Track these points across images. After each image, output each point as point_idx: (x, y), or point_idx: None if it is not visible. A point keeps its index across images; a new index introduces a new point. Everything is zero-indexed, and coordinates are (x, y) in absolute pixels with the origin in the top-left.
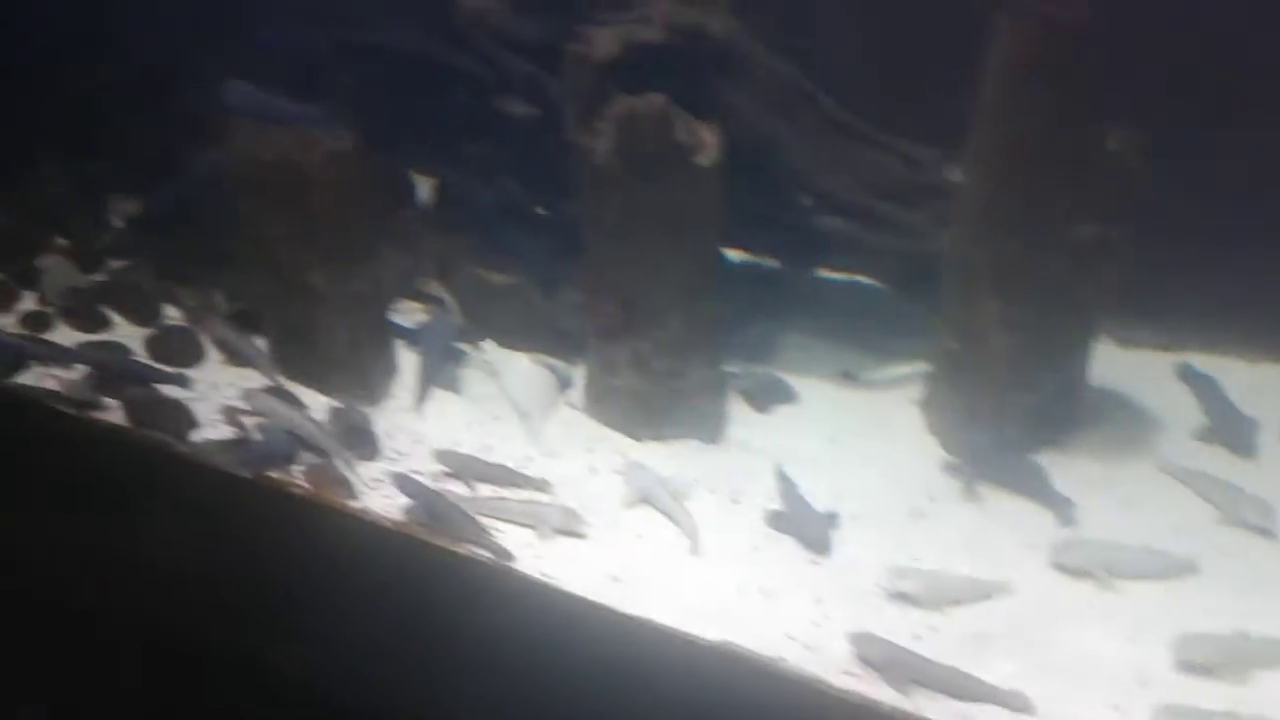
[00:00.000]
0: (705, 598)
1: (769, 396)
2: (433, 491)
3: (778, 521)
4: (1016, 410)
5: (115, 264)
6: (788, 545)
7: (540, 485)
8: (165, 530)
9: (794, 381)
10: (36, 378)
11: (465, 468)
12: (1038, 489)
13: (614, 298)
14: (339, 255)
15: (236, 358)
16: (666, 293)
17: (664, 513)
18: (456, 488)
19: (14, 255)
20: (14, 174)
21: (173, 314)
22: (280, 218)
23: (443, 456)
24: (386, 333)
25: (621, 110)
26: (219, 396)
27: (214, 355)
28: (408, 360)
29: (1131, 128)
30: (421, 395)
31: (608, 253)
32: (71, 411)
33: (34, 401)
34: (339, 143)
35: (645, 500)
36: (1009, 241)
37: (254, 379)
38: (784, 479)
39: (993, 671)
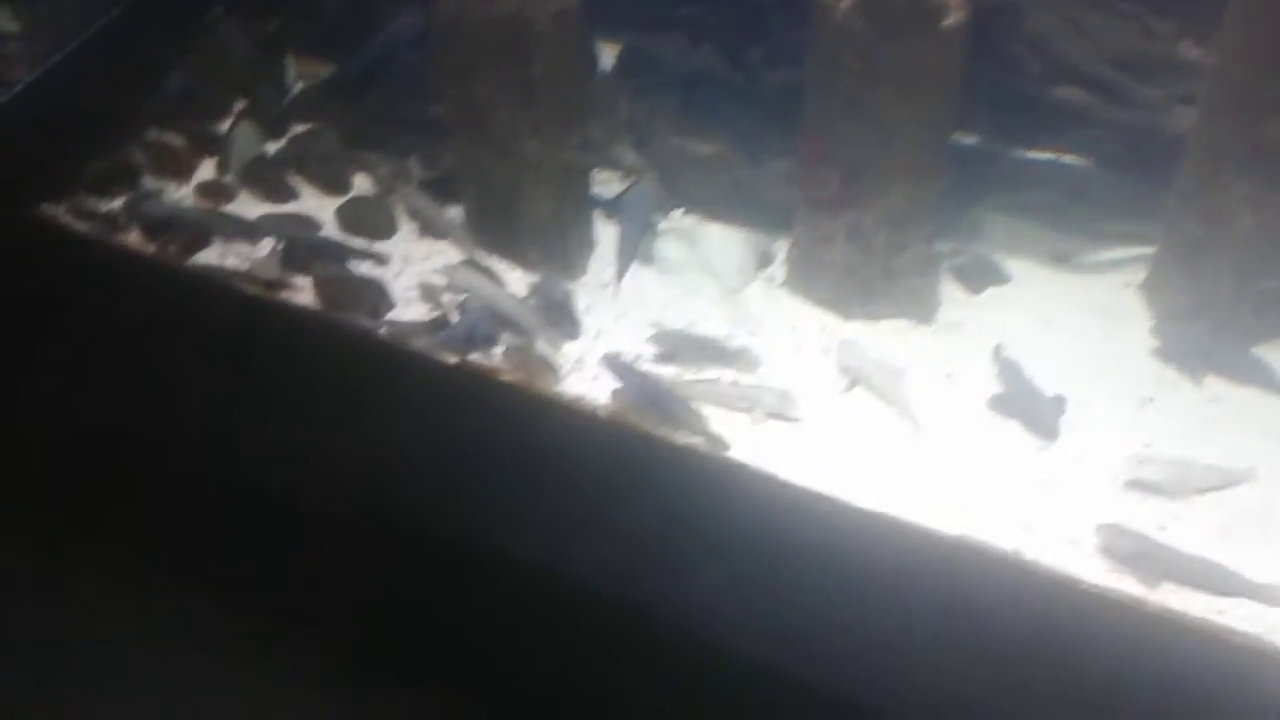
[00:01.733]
0: (930, 486)
1: (982, 277)
2: (644, 375)
3: (1001, 405)
4: (1253, 295)
5: (299, 129)
6: (1013, 430)
7: (750, 364)
8: (365, 419)
9: (1005, 263)
10: (219, 255)
11: (677, 347)
12: (1267, 378)
13: (836, 167)
14: (554, 121)
15: (431, 229)
16: (895, 163)
17: (879, 394)
18: (665, 369)
19: (191, 119)
20: (189, 32)
21: (362, 183)
22: (499, 80)
23: (657, 337)
24: (588, 204)
25: None
26: (413, 271)
27: (406, 226)
28: (605, 232)
29: None
30: (621, 270)
31: (834, 118)
32: (259, 292)
33: (219, 282)
34: (567, 2)
35: (859, 381)
36: (1265, 123)
37: (449, 252)
38: (1005, 361)
39: (1244, 562)
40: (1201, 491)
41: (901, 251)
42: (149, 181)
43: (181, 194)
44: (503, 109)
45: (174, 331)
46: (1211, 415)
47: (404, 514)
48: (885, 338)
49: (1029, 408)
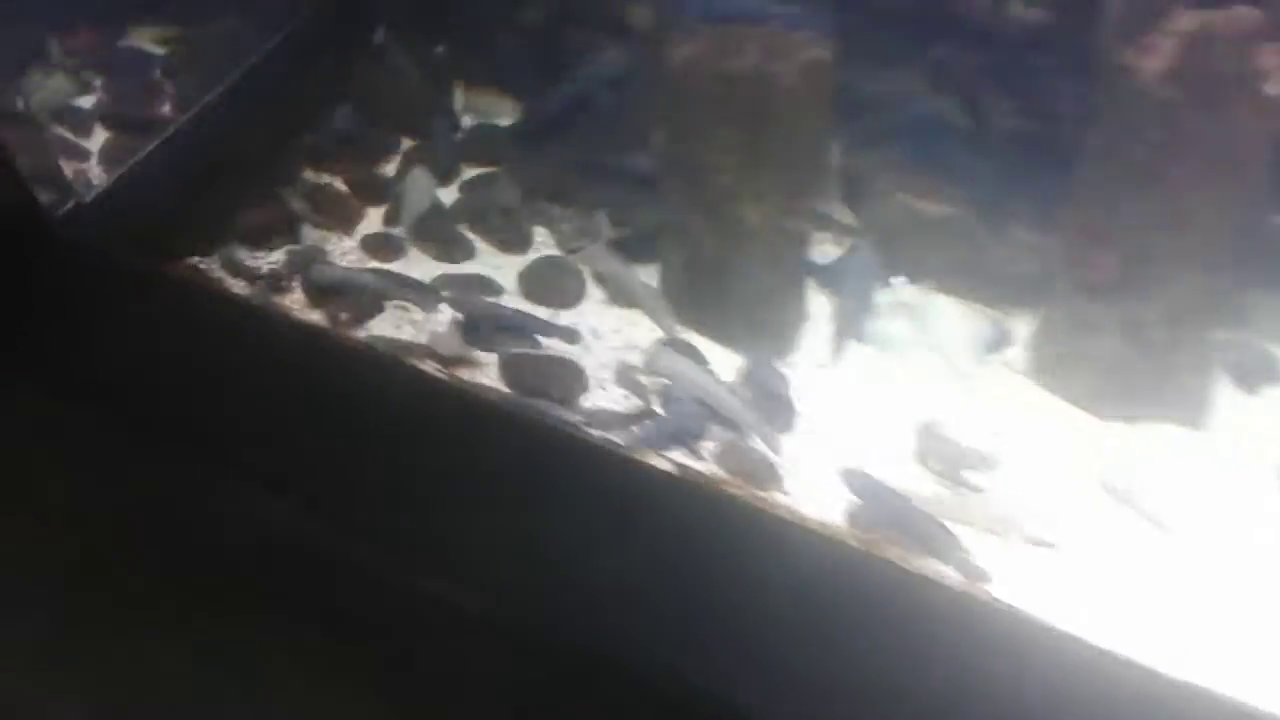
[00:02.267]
0: (1230, 640)
1: (1259, 374)
2: (890, 491)
3: None
4: None
5: (472, 173)
6: None
7: (986, 466)
8: (558, 522)
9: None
10: (393, 323)
11: (934, 452)
12: None
13: (1115, 249)
14: (785, 186)
15: (622, 297)
16: (1190, 248)
17: (1149, 517)
18: (910, 479)
19: (355, 160)
20: (352, 59)
21: (543, 238)
22: (729, 141)
23: (922, 433)
24: (804, 273)
25: (1192, 25)
26: (604, 347)
27: (594, 293)
28: (816, 303)
29: None
30: (838, 349)
31: (1119, 194)
32: (440, 372)
33: (397, 361)
34: (817, 51)
35: (1126, 501)
36: None
37: (642, 323)
38: None
39: None
40: None
41: (1180, 347)
42: (309, 232)
43: (345, 247)
44: (728, 172)
45: (344, 408)
46: None
47: (596, 643)
48: (1148, 444)
49: None
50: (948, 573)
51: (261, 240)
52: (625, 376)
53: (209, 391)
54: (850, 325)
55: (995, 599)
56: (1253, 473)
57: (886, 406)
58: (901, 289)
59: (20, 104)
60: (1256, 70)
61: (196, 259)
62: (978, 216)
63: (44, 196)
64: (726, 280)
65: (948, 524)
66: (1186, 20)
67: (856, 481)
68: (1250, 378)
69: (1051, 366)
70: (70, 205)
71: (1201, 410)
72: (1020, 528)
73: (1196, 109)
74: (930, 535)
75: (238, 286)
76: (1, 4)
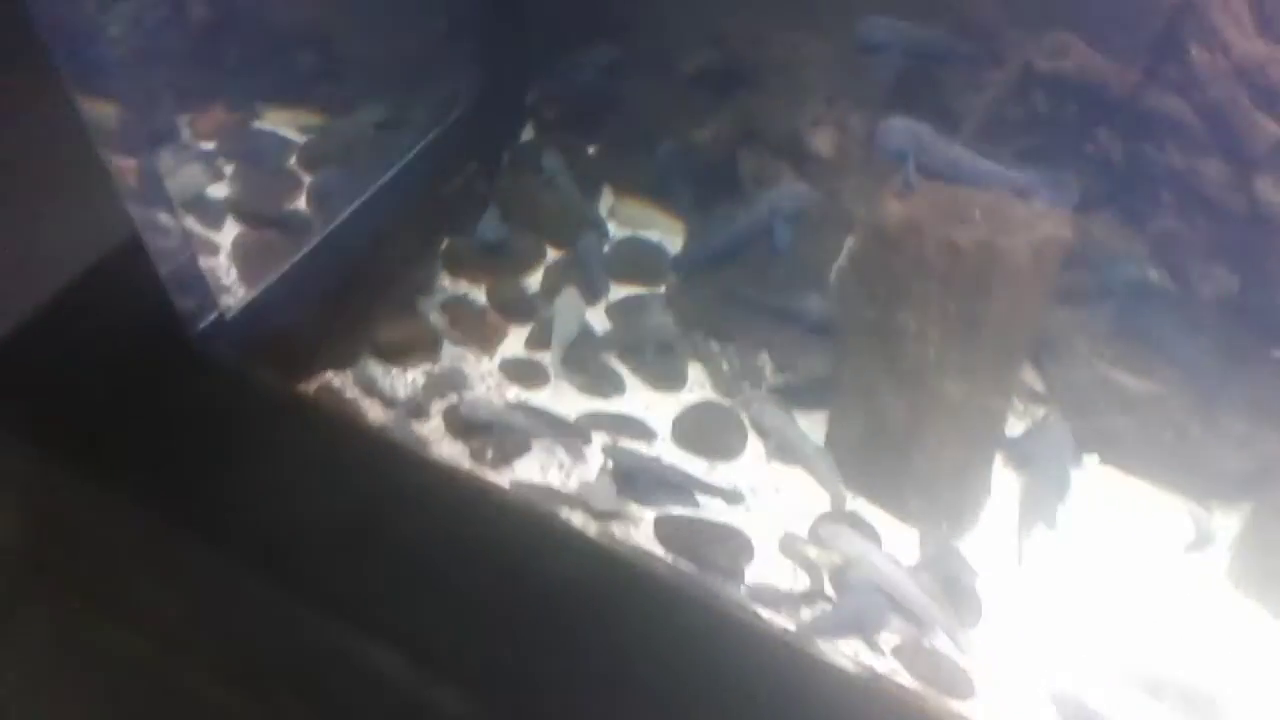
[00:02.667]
0: None
1: None
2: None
3: None
4: None
5: (622, 294)
6: None
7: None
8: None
9: None
10: (540, 463)
11: (1155, 686)
12: None
13: None
14: (993, 363)
15: (786, 453)
16: None
17: None
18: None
19: (497, 270)
20: (500, 161)
21: (698, 376)
22: (938, 310)
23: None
24: (995, 450)
25: None
26: (764, 508)
27: (754, 445)
28: (1001, 477)
29: None
30: (1026, 535)
31: None
32: (592, 530)
33: (549, 514)
34: (1053, 226)
35: None
36: None
37: (804, 483)
38: None
39: None
40: None
41: None
42: (448, 348)
43: (484, 369)
44: (932, 343)
45: (493, 565)
46: None
47: None
48: None
49: None
50: None
51: (398, 357)
52: (793, 549)
53: (347, 539)
54: (1040, 509)
55: None
56: None
57: (1083, 609)
58: (1094, 468)
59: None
60: None
61: (331, 374)
62: (1187, 398)
63: (180, 301)
64: (909, 450)
65: None
66: None
67: (1070, 709)
68: None
69: (1261, 576)
70: (210, 319)
71: None
72: None
73: None
74: None
75: (374, 410)
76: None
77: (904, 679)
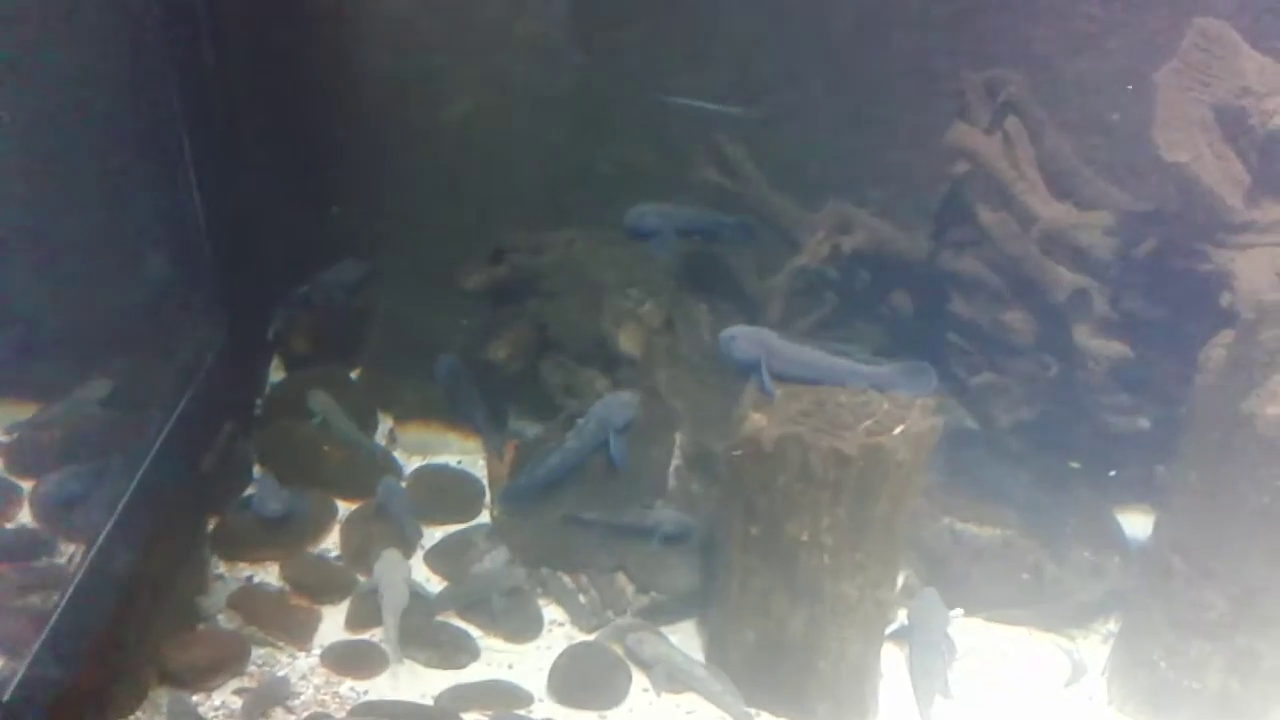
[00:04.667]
0: None
1: None
2: None
3: None
4: None
5: (439, 535)
6: None
7: None
8: None
9: None
10: None
11: None
12: None
13: (1224, 587)
14: (882, 559)
15: (674, 683)
16: None
17: None
18: None
19: (286, 545)
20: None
21: (556, 615)
22: (827, 519)
23: None
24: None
25: None
26: None
27: (638, 679)
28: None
29: None
30: (928, 707)
31: (1229, 533)
32: None
33: None
34: (925, 415)
35: None
36: None
37: (705, 711)
38: None
39: None
40: None
41: None
42: (255, 654)
43: (304, 667)
44: (826, 549)
45: None
46: None
47: None
48: None
49: None
50: None
51: (199, 680)
52: None
53: None
54: (933, 680)
55: None
56: None
57: None
58: (960, 621)
59: None
60: None
61: None
62: (1029, 537)
63: None
64: (810, 656)
65: None
66: None
67: None
68: None
69: (1144, 699)
70: None
71: None
72: None
73: None
74: None
75: None
76: None
77: None
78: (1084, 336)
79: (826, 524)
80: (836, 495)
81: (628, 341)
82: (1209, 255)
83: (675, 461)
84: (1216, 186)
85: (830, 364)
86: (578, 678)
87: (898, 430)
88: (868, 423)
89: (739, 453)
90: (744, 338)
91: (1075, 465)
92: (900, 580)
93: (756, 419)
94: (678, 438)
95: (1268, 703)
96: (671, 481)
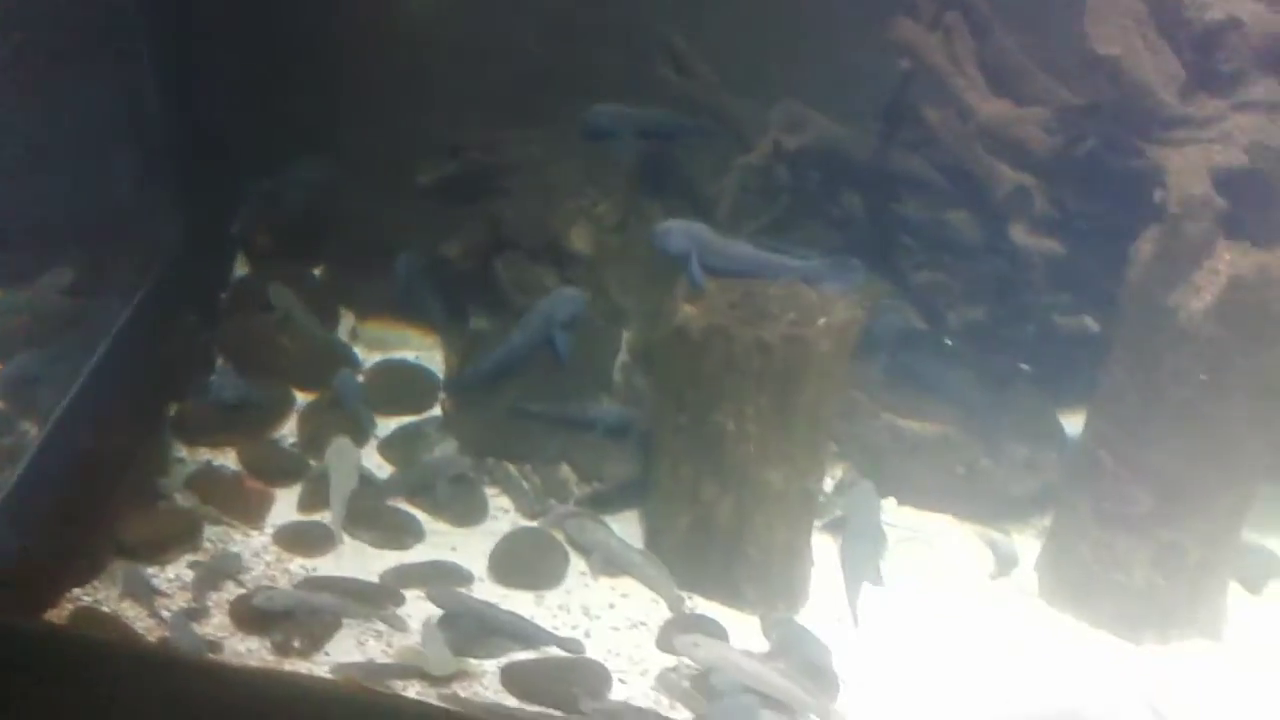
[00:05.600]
0: None
1: (1260, 573)
2: None
3: None
4: None
5: (395, 426)
6: None
7: None
8: None
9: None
10: (357, 641)
11: None
12: None
13: (1150, 481)
14: (808, 447)
15: (611, 566)
16: (1227, 477)
17: None
18: None
19: (242, 431)
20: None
21: (501, 503)
22: (754, 408)
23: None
24: (812, 523)
25: (1242, 265)
26: (603, 629)
27: (576, 562)
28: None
29: None
30: (855, 598)
31: (1155, 430)
32: (434, 698)
33: (382, 695)
34: (849, 308)
35: None
36: None
37: (636, 594)
38: None
39: None
40: None
41: (1212, 570)
42: (210, 532)
43: (256, 545)
44: (752, 438)
45: None
46: None
47: None
48: (1183, 663)
49: None
50: None
51: (154, 554)
52: (661, 678)
53: None
54: (863, 569)
55: None
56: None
57: (925, 654)
58: (897, 514)
59: None
60: None
61: (81, 592)
62: (967, 433)
63: None
64: (739, 542)
65: None
66: (1237, 261)
67: None
68: (1252, 579)
69: (1071, 592)
70: None
71: (1221, 620)
72: None
73: (1243, 347)
74: None
75: (145, 622)
76: None
77: None
78: (1021, 234)
79: (751, 413)
80: (760, 384)
81: (579, 240)
82: (1143, 151)
83: (622, 357)
84: (1149, 80)
85: (760, 258)
86: (517, 560)
87: (821, 322)
88: (792, 314)
89: (668, 342)
90: (676, 231)
91: (1025, 368)
92: (840, 475)
93: (686, 310)
94: (625, 334)
95: (1192, 596)
96: (617, 376)
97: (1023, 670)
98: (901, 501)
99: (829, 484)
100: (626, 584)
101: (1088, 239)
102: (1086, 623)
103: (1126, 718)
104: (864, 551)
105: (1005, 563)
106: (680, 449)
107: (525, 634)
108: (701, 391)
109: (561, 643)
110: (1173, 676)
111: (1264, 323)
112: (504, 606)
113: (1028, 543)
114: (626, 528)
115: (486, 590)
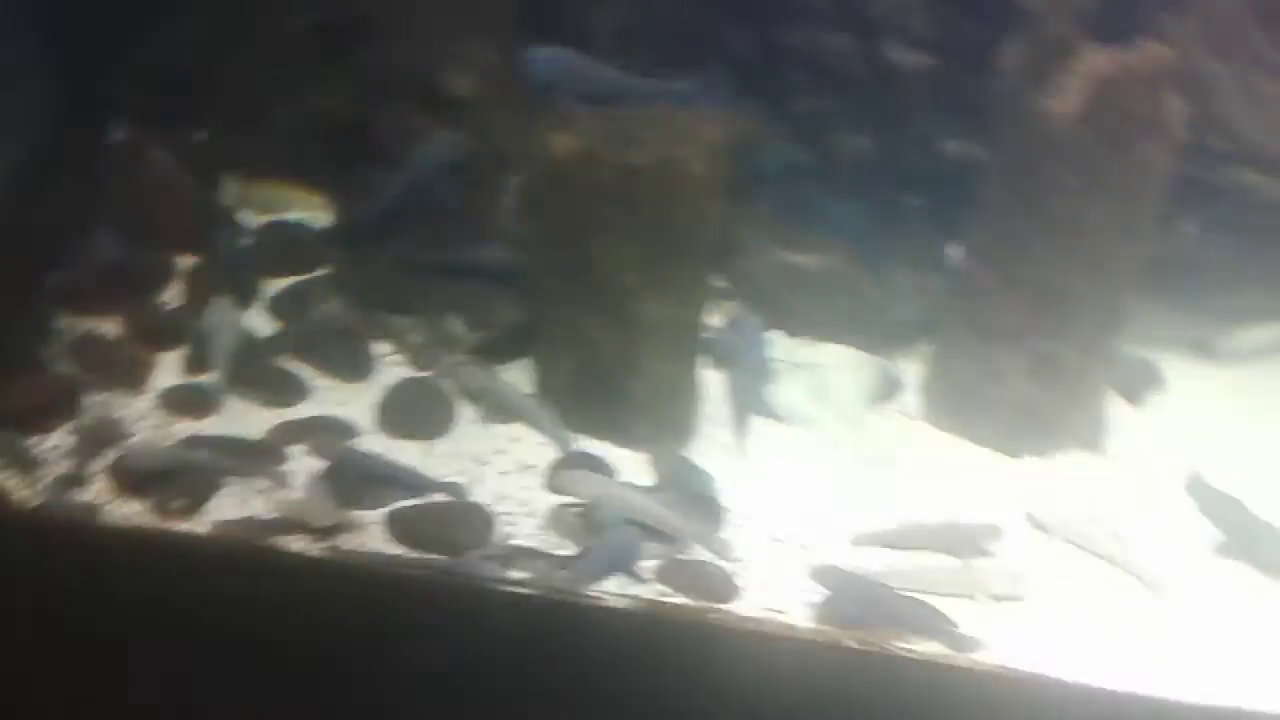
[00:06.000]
0: (1208, 660)
1: (1139, 385)
2: (862, 579)
3: (1230, 548)
4: None
5: (279, 285)
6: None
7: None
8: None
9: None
10: (238, 498)
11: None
12: None
13: (1022, 291)
14: (688, 276)
15: (500, 413)
16: (1100, 285)
17: (1100, 554)
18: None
19: (124, 295)
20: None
21: (390, 358)
22: (629, 237)
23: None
24: (697, 356)
25: (1103, 67)
26: (493, 474)
27: (465, 411)
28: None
29: None
30: (742, 430)
31: (1027, 239)
32: (318, 548)
33: (265, 549)
34: (719, 129)
35: (1071, 540)
36: None
37: (527, 439)
38: (1209, 494)
39: None
40: None
41: (1087, 380)
42: (92, 399)
43: (139, 409)
44: (629, 269)
45: (206, 621)
46: None
47: None
48: (1065, 476)
49: (1254, 547)
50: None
51: (32, 421)
52: (527, 503)
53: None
54: (750, 401)
55: (1006, 666)
56: (1162, 487)
57: (811, 482)
58: (786, 346)
59: None
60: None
61: None
62: (855, 265)
63: None
64: (624, 379)
65: (920, 598)
66: (1099, 62)
67: (831, 579)
68: (1131, 390)
69: (951, 411)
70: None
71: (1102, 432)
72: (991, 587)
73: (1109, 150)
74: (911, 615)
75: (22, 491)
76: None
77: (676, 599)
78: (895, 51)
79: (623, 242)
80: (630, 211)
81: (459, 83)
82: None
83: (510, 204)
84: None
85: (628, 82)
86: (406, 410)
87: (691, 144)
88: (663, 138)
89: (540, 175)
90: (543, 59)
91: (917, 201)
92: (729, 312)
93: (555, 139)
94: (512, 180)
95: (1070, 408)
96: (505, 223)
97: (902, 489)
98: (791, 334)
99: (718, 321)
100: (516, 429)
101: (974, 62)
102: (968, 440)
103: (1004, 528)
104: (751, 383)
105: (889, 387)
106: (560, 287)
107: (407, 481)
108: (576, 223)
109: (443, 487)
110: (1052, 488)
111: (1130, 125)
112: (392, 457)
113: (915, 369)
114: (516, 375)
115: (375, 441)
